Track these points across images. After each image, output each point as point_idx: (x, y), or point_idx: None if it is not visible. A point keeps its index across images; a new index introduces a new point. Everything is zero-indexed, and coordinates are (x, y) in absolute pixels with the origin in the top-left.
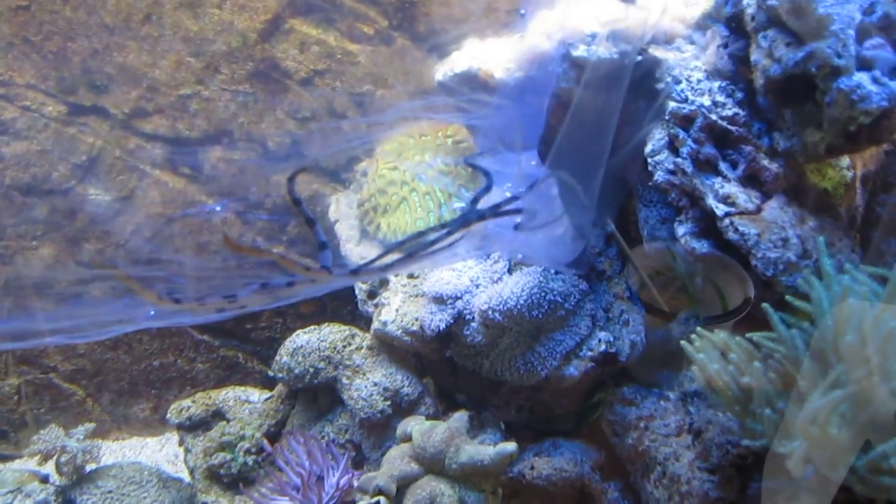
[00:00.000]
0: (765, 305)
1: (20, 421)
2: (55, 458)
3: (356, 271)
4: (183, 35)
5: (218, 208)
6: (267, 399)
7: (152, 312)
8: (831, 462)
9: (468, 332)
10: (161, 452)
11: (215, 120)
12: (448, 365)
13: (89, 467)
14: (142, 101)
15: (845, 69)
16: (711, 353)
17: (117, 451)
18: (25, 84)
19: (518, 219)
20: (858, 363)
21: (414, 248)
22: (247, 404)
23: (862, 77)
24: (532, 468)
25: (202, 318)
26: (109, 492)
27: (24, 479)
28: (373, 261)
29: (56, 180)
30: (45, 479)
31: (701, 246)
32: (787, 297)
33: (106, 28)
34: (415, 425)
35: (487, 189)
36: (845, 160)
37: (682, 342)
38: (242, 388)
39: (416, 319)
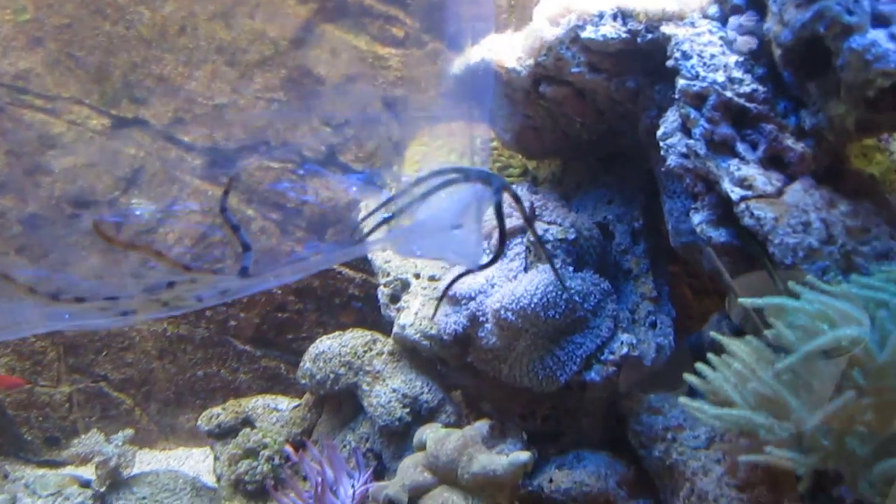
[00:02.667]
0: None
1: (71, 428)
2: (94, 461)
3: (246, 273)
4: (217, 45)
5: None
6: (294, 407)
7: (66, 316)
8: (851, 475)
9: (483, 335)
10: (204, 463)
11: (252, 129)
12: (471, 372)
13: (127, 473)
14: (180, 112)
15: (858, 27)
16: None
17: (163, 461)
18: (71, 98)
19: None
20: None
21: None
22: (275, 412)
23: (877, 35)
24: (551, 481)
25: (109, 320)
26: (143, 498)
27: (65, 482)
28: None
29: (102, 192)
30: (86, 484)
31: (718, 235)
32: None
33: (143, 41)
34: (430, 433)
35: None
36: None
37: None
38: (273, 396)
39: (435, 323)
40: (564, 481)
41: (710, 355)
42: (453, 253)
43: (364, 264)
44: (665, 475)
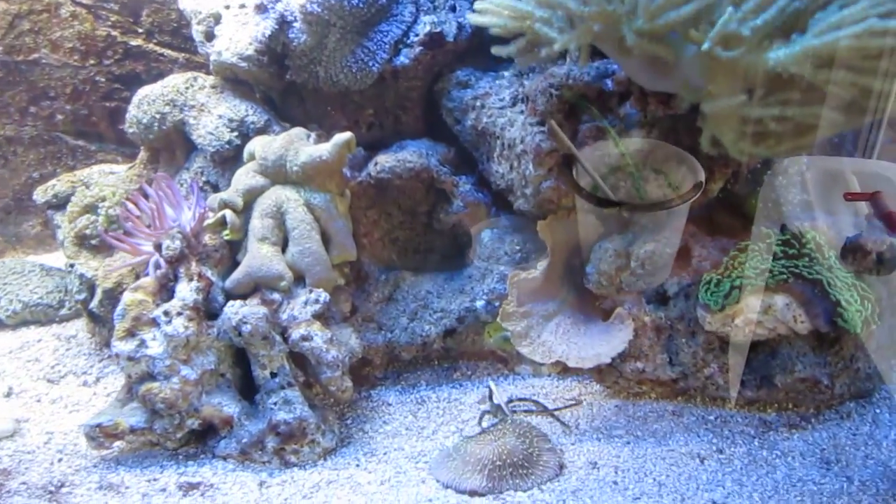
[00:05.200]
0: None
1: None
2: None
3: None
4: None
5: None
6: (130, 167)
7: None
8: (617, 36)
9: (294, 35)
10: (56, 264)
11: None
12: (295, 96)
13: None
14: None
15: None
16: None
17: None
18: None
19: None
20: None
21: None
22: (111, 175)
23: None
24: (376, 164)
25: None
26: None
27: None
28: None
29: None
30: None
31: None
32: None
33: None
34: (258, 140)
35: None
36: None
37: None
38: (108, 164)
39: (250, 44)
40: (389, 161)
41: None
42: None
43: (185, 43)
44: (479, 142)
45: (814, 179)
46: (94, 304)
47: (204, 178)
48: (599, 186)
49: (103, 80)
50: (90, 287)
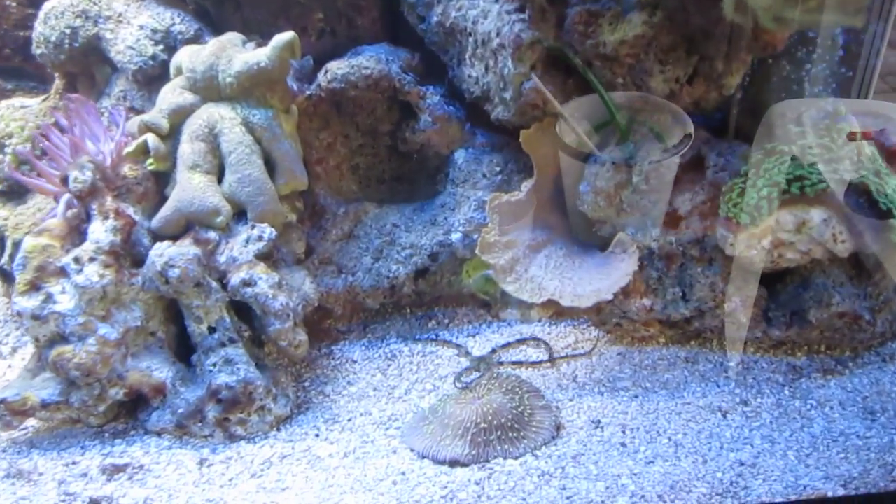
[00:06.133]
0: None
1: None
2: None
3: None
4: None
5: None
6: (44, 99)
7: None
8: None
9: None
10: None
11: None
12: (231, 2)
13: None
14: None
15: None
16: None
17: None
18: None
19: None
20: None
21: None
22: (22, 109)
23: None
24: (326, 72)
25: None
26: None
27: None
28: None
29: None
30: None
31: None
32: None
33: None
34: (184, 51)
35: None
36: None
37: None
38: (20, 98)
39: None
40: (342, 68)
41: None
42: None
43: None
44: (448, 42)
45: (812, 121)
46: (3, 259)
47: (128, 104)
48: (585, 144)
49: (14, 4)
50: None
